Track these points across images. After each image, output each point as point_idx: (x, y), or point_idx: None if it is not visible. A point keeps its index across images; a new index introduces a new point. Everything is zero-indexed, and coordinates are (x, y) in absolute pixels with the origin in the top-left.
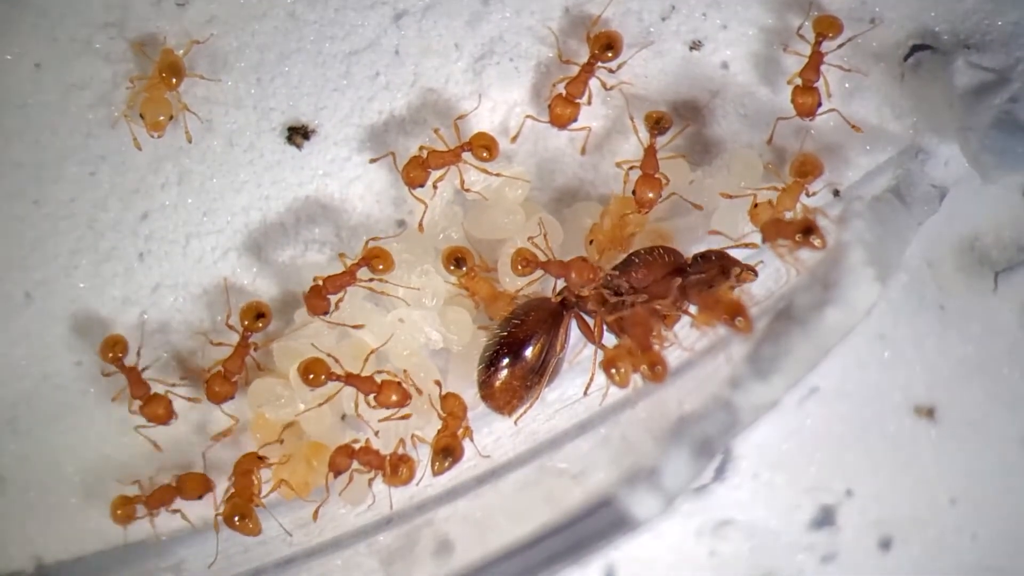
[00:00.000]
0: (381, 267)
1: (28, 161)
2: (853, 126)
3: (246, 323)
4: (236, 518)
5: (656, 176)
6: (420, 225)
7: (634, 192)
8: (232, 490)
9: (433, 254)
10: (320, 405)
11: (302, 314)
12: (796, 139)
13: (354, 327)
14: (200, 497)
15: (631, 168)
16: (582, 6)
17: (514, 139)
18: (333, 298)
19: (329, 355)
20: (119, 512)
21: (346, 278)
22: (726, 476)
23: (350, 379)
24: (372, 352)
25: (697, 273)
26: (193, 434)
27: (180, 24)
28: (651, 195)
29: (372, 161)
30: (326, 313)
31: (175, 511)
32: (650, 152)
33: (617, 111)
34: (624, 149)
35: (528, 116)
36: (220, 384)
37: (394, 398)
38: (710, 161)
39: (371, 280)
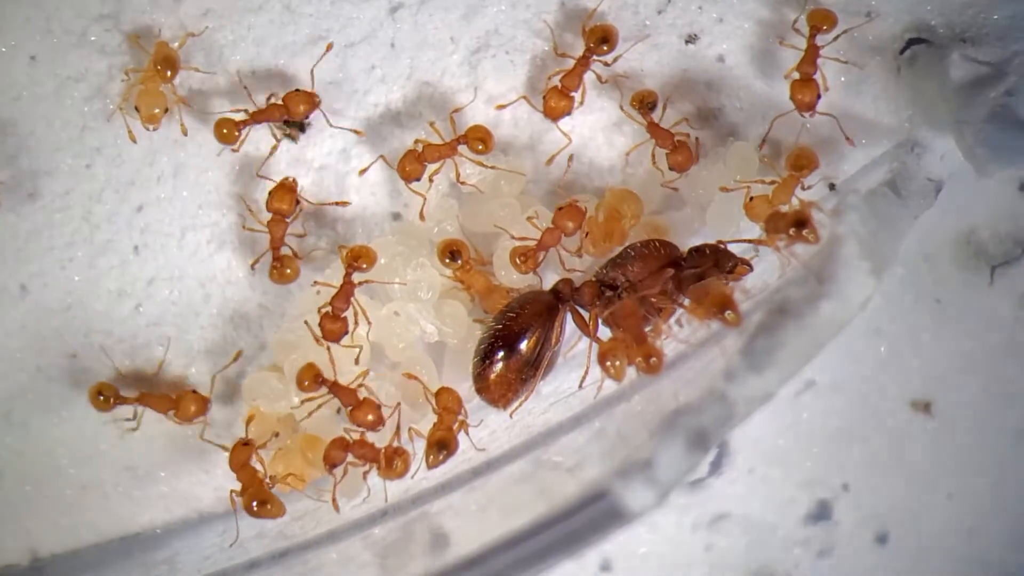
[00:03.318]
0: (364, 265)
1: (23, 153)
2: (847, 138)
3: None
4: (256, 505)
5: (677, 140)
6: (421, 214)
7: (672, 167)
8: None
9: (428, 247)
10: (317, 408)
11: (297, 306)
12: (792, 133)
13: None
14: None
15: (654, 148)
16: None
17: (501, 107)
18: (348, 315)
19: (328, 348)
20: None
21: (348, 288)
22: (722, 470)
23: (334, 388)
24: (361, 351)
25: (692, 267)
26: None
27: (175, 17)
28: (681, 158)
29: (362, 172)
30: (346, 333)
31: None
32: (653, 128)
33: (613, 104)
34: (619, 142)
35: (523, 97)
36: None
37: (369, 418)
38: (706, 154)
39: (362, 283)
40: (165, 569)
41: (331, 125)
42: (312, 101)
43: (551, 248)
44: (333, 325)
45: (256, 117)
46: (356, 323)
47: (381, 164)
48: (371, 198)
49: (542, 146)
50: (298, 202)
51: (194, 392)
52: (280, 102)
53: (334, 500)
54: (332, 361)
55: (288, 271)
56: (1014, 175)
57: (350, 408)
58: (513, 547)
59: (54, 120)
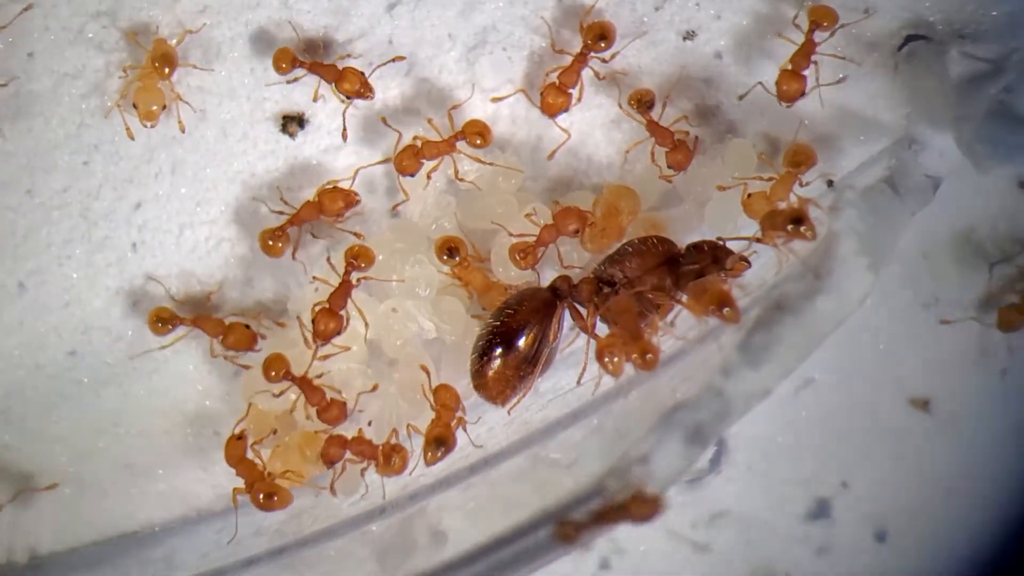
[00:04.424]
0: (363, 264)
1: (20, 150)
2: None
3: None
4: (263, 498)
5: (676, 139)
6: (395, 207)
7: (670, 165)
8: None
9: (426, 243)
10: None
11: (295, 302)
12: (790, 130)
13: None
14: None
15: (653, 146)
16: None
17: (496, 99)
18: (343, 313)
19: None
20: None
21: (346, 287)
22: (721, 468)
23: (301, 383)
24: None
25: (690, 263)
26: (188, 425)
27: (173, 13)
28: (680, 157)
29: (389, 126)
30: (340, 333)
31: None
32: (653, 126)
33: (611, 100)
34: (618, 139)
35: (521, 90)
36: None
37: (335, 414)
38: (704, 151)
39: (360, 280)
40: (163, 566)
41: (385, 123)
42: (366, 90)
43: (549, 244)
44: (328, 323)
45: (313, 67)
46: (348, 323)
47: (378, 159)
48: (369, 195)
49: (540, 143)
50: (340, 214)
51: (247, 327)
52: (340, 68)
53: (332, 487)
54: (313, 357)
55: (279, 245)
56: (1013, 172)
57: (316, 408)
58: (511, 544)
59: (51, 117)
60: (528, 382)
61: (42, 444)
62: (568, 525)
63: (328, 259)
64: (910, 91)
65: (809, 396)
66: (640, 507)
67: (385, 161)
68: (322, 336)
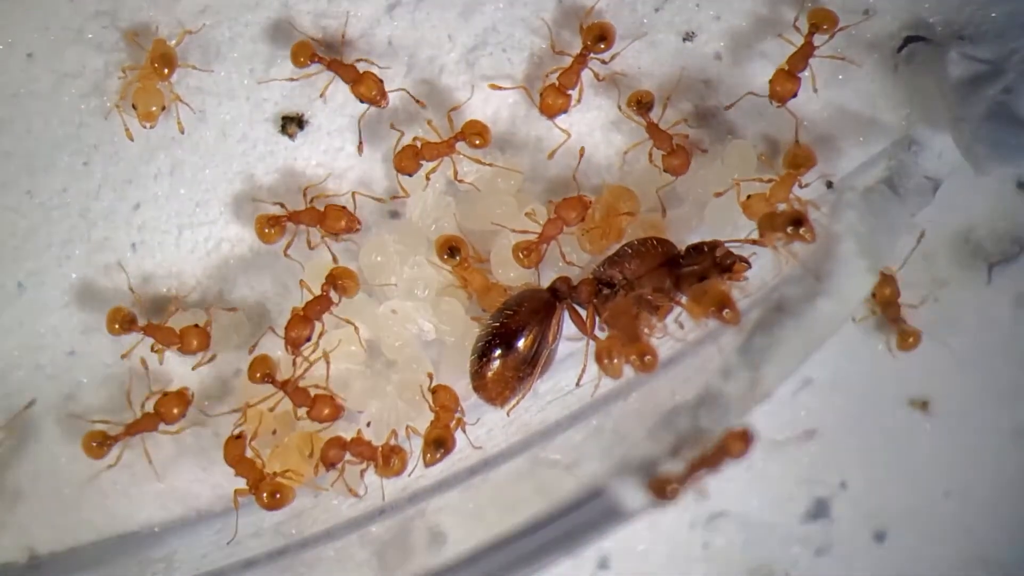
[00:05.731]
0: (344, 286)
1: (20, 151)
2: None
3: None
4: (267, 496)
5: (674, 143)
6: (393, 196)
7: (667, 170)
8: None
9: (425, 245)
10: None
11: (293, 303)
12: (790, 131)
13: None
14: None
15: (652, 147)
16: None
17: (493, 87)
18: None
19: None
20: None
21: (325, 301)
22: (720, 468)
23: (285, 387)
24: (309, 365)
25: (690, 264)
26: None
27: (173, 14)
28: (677, 162)
29: (396, 128)
30: (309, 341)
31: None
32: (653, 129)
33: (610, 102)
34: (617, 140)
35: (521, 86)
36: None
37: (327, 411)
38: (704, 152)
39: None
40: (163, 567)
41: (393, 127)
42: (381, 98)
43: (552, 241)
44: (300, 329)
45: (332, 64)
46: (323, 332)
47: (378, 160)
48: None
49: (540, 144)
50: (336, 234)
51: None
52: (360, 70)
53: (349, 488)
54: (294, 361)
55: (272, 232)
56: (1012, 173)
57: (305, 409)
58: (510, 545)
59: (51, 117)
60: (527, 383)
61: (42, 444)
62: (663, 480)
63: (301, 282)
64: (909, 92)
65: (808, 396)
66: (737, 443)
67: (384, 199)
68: (292, 342)
